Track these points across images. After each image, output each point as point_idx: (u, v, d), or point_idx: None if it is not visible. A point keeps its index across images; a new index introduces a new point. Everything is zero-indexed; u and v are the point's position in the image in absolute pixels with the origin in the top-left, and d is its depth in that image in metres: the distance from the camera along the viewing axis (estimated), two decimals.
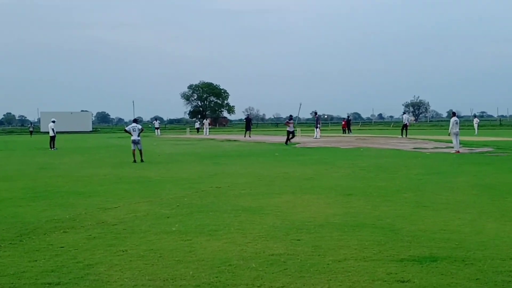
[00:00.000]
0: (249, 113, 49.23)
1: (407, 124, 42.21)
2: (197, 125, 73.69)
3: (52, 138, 34.14)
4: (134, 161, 21.98)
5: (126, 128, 23.33)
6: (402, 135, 41.97)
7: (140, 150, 22.47)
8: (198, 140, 45.86)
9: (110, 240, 7.81)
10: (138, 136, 22.48)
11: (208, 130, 61.79)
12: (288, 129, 35.54)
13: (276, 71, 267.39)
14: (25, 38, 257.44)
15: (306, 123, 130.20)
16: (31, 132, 73.99)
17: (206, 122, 64.54)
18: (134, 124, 23.27)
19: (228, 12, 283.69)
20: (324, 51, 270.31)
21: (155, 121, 69.53)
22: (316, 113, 49.25)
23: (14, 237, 8.09)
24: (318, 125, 44.16)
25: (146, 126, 78.20)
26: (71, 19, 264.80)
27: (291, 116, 38.14)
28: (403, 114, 50.51)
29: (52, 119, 36.22)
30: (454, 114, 26.64)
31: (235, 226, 8.69)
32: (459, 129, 25.44)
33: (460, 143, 25.24)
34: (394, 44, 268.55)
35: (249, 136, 45.85)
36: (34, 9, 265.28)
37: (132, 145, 22.57)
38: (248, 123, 49.47)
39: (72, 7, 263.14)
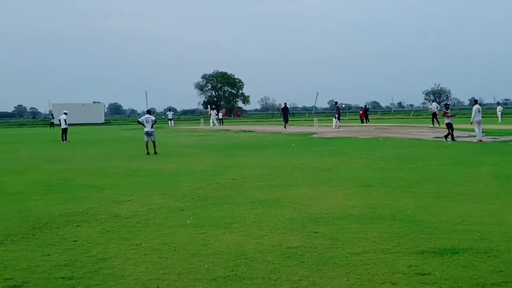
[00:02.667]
0: (285, 102, 46.45)
1: (436, 112, 41.55)
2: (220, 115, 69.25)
3: (64, 130, 34.52)
4: (147, 153, 22.09)
5: (139, 120, 23.50)
6: (433, 124, 41.10)
7: (154, 142, 22.53)
8: (212, 131, 46.00)
9: (124, 234, 7.85)
10: (152, 127, 22.56)
11: (216, 121, 58.49)
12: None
13: (292, 58, 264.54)
14: (36, 28, 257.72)
15: (323, 112, 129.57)
16: (52, 124, 69.51)
17: (213, 112, 60.70)
18: (147, 115, 23.35)
19: None
20: (341, 36, 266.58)
21: (168, 112, 69.32)
22: (336, 103, 49.42)
23: (27, 231, 8.15)
24: (338, 115, 44.92)
25: (160, 117, 78.46)
26: (83, 8, 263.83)
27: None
28: (432, 102, 49.36)
29: (64, 111, 36.78)
30: (476, 101, 26.19)
31: (251, 218, 8.68)
32: (482, 117, 25.34)
33: (483, 132, 25.07)
34: (414, 30, 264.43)
35: (285, 127, 43.26)
36: None
37: (145, 136, 22.66)
38: (286, 113, 46.22)
39: None
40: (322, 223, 8.19)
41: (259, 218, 8.70)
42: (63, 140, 33.98)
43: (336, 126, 42.80)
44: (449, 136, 24.77)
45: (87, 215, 9.38)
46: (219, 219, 8.72)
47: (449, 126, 25.24)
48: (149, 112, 24.29)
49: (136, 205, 10.18)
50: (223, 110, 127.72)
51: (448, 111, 26.66)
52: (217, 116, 63.70)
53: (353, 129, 40.09)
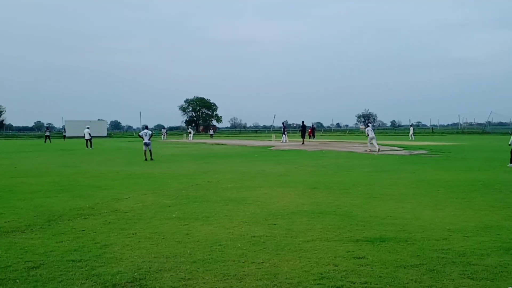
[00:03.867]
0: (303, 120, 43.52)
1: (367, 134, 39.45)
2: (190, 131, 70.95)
3: (89, 140, 35.78)
4: (145, 159, 22.12)
5: (140, 134, 23.50)
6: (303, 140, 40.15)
7: (150, 151, 22.77)
8: (192, 144, 45.68)
9: (122, 225, 7.68)
10: (149, 139, 22.88)
11: (192, 136, 61.44)
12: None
13: (256, 88, 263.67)
14: (53, 60, 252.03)
15: (279, 130, 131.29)
16: (46, 137, 54.06)
17: (190, 129, 62.90)
18: (146, 130, 23.58)
19: (218, 42, 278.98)
20: (293, 73, 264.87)
21: (163, 130, 69.31)
22: (283, 123, 48.94)
23: (43, 223, 7.93)
24: (286, 132, 44.58)
25: (157, 133, 77.94)
26: (92, 45, 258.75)
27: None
28: (366, 128, 46.92)
29: (87, 126, 38.03)
30: (368, 124, 26.72)
31: (224, 213, 8.56)
32: (375, 134, 26.84)
33: (397, 146, 25.36)
34: (351, 67, 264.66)
35: (303, 143, 38.53)
36: (60, 35, 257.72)
37: (144, 146, 22.83)
38: (303, 130, 42.05)
39: (92, 34, 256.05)
40: (279, 217, 8.12)
41: (230, 213, 8.59)
42: (87, 147, 34.91)
43: (283, 141, 42.36)
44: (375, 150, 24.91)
45: (92, 209, 9.18)
46: (199, 213, 8.56)
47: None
48: (147, 127, 24.45)
49: (132, 202, 9.98)
50: (192, 128, 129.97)
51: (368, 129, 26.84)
52: (210, 132, 69.62)
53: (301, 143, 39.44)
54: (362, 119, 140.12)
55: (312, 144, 37.70)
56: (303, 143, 38.81)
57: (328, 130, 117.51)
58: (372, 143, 25.41)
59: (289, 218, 7.96)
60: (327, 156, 23.93)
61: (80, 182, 13.83)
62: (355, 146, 34.23)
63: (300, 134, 42.89)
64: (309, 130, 57.61)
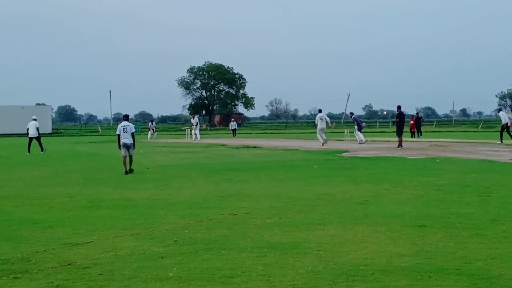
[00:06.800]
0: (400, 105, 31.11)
1: (508, 124, 33.41)
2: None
3: (37, 139, 30.96)
4: (126, 172, 18.72)
5: (117, 131, 19.57)
6: (501, 141, 33.35)
7: (131, 157, 19.07)
8: (202, 146, 38.71)
9: None
10: (131, 138, 18.92)
11: (199, 131, 49.44)
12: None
13: (312, 52, 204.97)
14: None
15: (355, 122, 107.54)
16: None
17: (195, 120, 51.03)
18: (125, 123, 19.39)
19: None
20: (376, 22, 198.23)
21: (150, 123, 57.97)
22: (352, 114, 40.76)
23: None
24: (361, 125, 37.10)
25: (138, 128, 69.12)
26: None
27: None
28: (499, 112, 38.12)
29: (33, 117, 32.49)
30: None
31: (259, 271, 6.88)
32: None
33: None
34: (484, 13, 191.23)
35: (399, 146, 30.56)
36: None
37: (122, 150, 19.02)
38: (401, 121, 32.00)
39: None
40: (358, 279, 6.47)
41: (269, 270, 6.91)
42: (30, 151, 30.46)
43: (360, 141, 35.69)
44: None
45: (28, 262, 7.51)
46: (213, 271, 6.90)
47: None
48: (126, 118, 19.99)
49: (97, 250, 8.20)
50: (219, 117, 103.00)
51: None
52: (232, 125, 58.20)
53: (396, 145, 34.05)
54: (508, 102, 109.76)
55: (416, 147, 32.11)
56: (400, 145, 31.10)
57: (445, 122, 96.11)
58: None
59: (375, 281, 6.41)
60: (444, 168, 19.87)
61: (8, 214, 11.69)
62: (496, 150, 29.03)
63: (396, 129, 33.22)
64: (412, 122, 46.80)
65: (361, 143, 35.17)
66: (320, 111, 34.29)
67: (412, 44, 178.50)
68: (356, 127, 36.79)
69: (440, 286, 6.32)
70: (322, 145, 30.50)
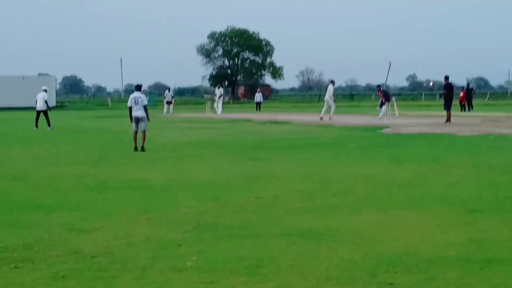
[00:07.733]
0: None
1: None
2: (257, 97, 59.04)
3: (44, 113, 28.83)
4: (136, 148, 17.67)
5: (128, 103, 18.34)
6: None
7: (144, 132, 17.91)
8: (224, 121, 36.99)
9: (88, 282, 5.97)
10: (144, 111, 17.71)
11: (222, 104, 47.51)
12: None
13: (347, 15, 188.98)
14: None
15: (399, 93, 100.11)
16: None
17: (219, 90, 47.57)
18: (136, 94, 17.98)
19: None
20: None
21: (167, 91, 52.49)
22: (379, 87, 38.37)
23: None
24: (386, 101, 33.94)
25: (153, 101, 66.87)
26: None
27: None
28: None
29: (43, 87, 30.14)
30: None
31: (288, 260, 6.54)
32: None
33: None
34: None
35: (448, 121, 28.06)
36: None
37: (133, 124, 17.89)
38: (450, 93, 29.43)
39: None
40: (400, 270, 6.08)
41: (300, 260, 6.56)
42: (37, 126, 28.92)
43: (383, 114, 33.38)
44: None
45: (30, 250, 7.15)
46: (237, 260, 6.57)
47: None
48: (138, 89, 18.45)
49: (107, 236, 7.82)
50: (244, 88, 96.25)
51: None
52: (257, 98, 54.45)
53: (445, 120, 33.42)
54: None
55: (466, 122, 30.79)
56: (448, 120, 29.40)
57: (500, 94, 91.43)
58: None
59: (420, 272, 6.09)
60: (499, 146, 19.12)
61: (9, 197, 11.26)
62: None
63: (443, 102, 30.83)
64: (462, 94, 44.27)
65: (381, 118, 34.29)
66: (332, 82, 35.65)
67: (461, 10, 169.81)
68: (381, 101, 34.72)
69: (493, 278, 6.07)
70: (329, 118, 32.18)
